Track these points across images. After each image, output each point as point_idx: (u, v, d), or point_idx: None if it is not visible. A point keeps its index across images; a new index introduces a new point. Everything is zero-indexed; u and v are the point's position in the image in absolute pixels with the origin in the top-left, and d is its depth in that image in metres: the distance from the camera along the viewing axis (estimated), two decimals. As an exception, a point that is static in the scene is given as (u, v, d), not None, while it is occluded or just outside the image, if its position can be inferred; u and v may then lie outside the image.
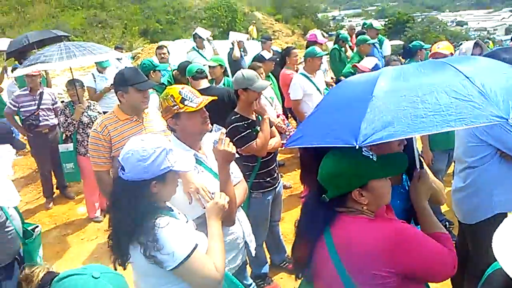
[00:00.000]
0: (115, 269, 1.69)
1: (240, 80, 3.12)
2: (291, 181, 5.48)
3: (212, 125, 2.33)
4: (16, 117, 5.58)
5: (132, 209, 1.67)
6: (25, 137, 5.65)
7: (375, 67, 4.84)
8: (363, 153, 1.53)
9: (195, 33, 7.40)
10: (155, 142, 1.72)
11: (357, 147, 1.34)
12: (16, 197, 2.57)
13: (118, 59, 6.95)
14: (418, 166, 1.80)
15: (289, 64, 5.65)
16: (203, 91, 3.62)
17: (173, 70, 5.37)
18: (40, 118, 5.28)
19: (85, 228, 4.92)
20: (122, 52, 7.86)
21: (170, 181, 1.77)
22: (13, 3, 26.08)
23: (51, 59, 4.26)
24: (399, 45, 15.85)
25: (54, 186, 5.72)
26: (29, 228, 2.76)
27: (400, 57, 5.87)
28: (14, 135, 2.78)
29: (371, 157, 1.54)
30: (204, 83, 4.01)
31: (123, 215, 1.69)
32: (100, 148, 2.93)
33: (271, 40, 7.33)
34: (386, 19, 38.00)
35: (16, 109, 5.29)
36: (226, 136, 2.09)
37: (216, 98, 2.28)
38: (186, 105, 2.12)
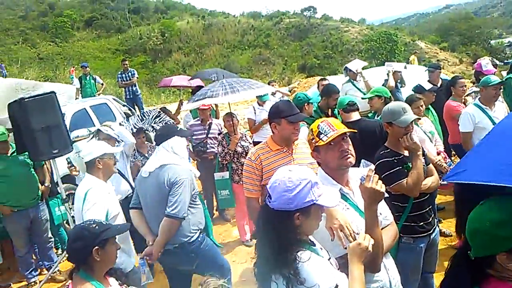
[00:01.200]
0: None
1: (385, 113, 2.96)
2: (451, 228, 4.77)
3: (360, 160, 2.23)
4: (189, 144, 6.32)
5: (275, 238, 1.68)
6: (195, 162, 6.41)
7: None
8: None
9: (345, 67, 7.31)
10: (301, 174, 1.71)
11: None
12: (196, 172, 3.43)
13: (272, 93, 7.38)
14: None
15: (455, 95, 5.13)
16: (352, 124, 3.56)
17: (318, 102, 5.30)
18: (208, 146, 5.94)
19: (237, 250, 5.22)
20: (274, 86, 8.34)
21: (313, 215, 1.74)
22: (193, 45, 30.93)
23: (217, 94, 4.79)
24: None
25: (214, 208, 6.28)
26: None
27: None
28: (178, 128, 3.34)
29: None
30: (355, 116, 3.91)
31: (267, 243, 1.72)
32: (253, 176, 3.09)
33: (440, 69, 6.65)
34: None
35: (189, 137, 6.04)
36: (375, 173, 1.94)
37: (355, 131, 2.20)
38: (320, 139, 2.11)
